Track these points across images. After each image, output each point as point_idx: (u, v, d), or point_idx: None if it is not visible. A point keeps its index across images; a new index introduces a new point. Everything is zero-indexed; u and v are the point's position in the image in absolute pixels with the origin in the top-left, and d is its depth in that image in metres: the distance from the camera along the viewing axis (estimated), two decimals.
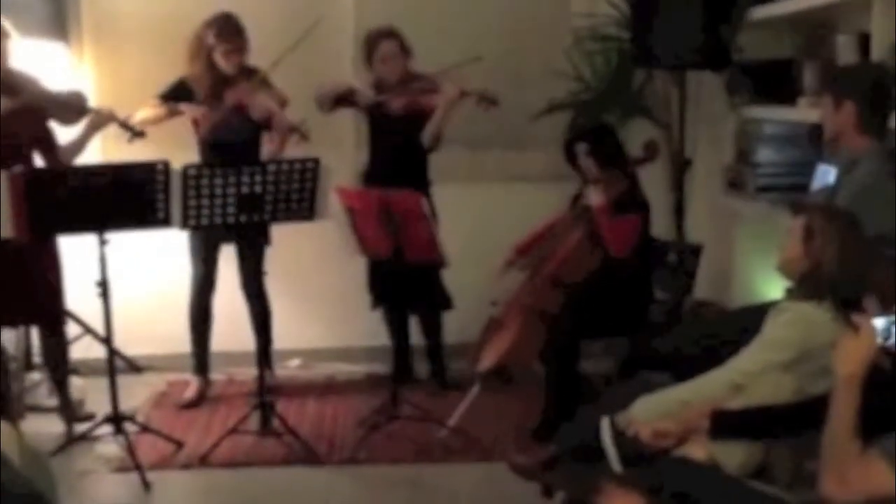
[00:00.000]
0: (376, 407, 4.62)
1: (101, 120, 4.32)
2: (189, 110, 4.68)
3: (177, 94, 4.69)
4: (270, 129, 4.73)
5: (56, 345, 4.47)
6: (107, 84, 4.73)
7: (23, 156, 4.17)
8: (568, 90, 5.22)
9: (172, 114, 4.67)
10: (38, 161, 4.30)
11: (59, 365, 4.49)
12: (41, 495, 2.61)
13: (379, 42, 4.78)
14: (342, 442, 4.40)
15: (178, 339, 4.95)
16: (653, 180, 4.73)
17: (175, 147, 4.54)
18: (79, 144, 4.35)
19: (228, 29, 4.61)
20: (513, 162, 5.31)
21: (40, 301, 4.32)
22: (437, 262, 4.26)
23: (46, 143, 4.30)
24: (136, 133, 4.32)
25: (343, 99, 4.82)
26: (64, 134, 4.39)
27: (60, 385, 4.49)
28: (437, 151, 4.85)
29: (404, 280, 4.57)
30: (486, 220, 5.05)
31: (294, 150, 4.54)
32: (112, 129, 4.39)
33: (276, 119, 4.65)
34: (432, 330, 5.14)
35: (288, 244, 4.90)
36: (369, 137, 4.96)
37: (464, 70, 4.62)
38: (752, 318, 3.18)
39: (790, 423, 2.82)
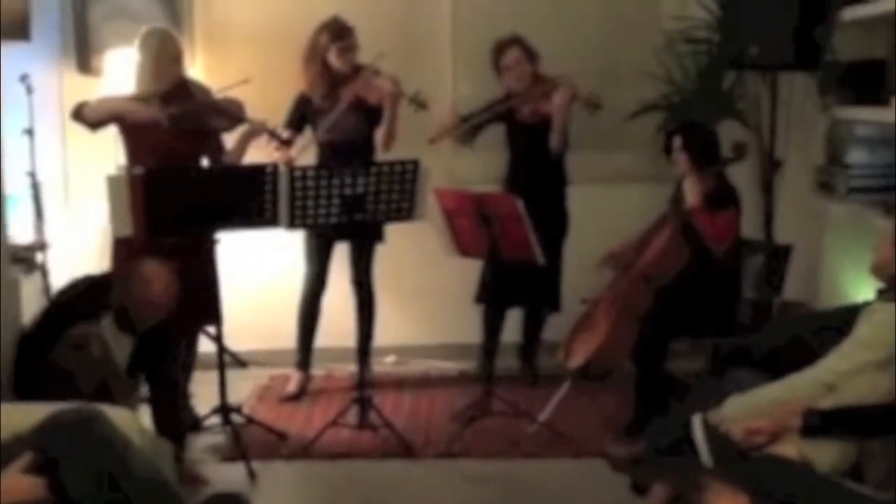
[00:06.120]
0: (469, 402, 4.72)
1: (255, 129, 4.56)
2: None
3: (297, 110, 4.91)
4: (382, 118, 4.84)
5: (191, 342, 4.64)
6: (217, 87, 4.94)
7: (188, 159, 4.45)
8: (659, 92, 5.29)
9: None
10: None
11: (187, 359, 4.62)
12: (167, 481, 2.78)
13: (502, 51, 4.91)
14: (437, 436, 4.51)
15: (280, 335, 5.12)
16: (742, 181, 4.75)
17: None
18: (237, 152, 4.58)
19: (340, 28, 4.81)
20: (605, 163, 5.36)
21: (206, 301, 4.41)
22: (532, 261, 4.36)
23: (214, 149, 4.57)
24: (283, 141, 4.63)
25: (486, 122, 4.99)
26: None
27: (184, 378, 4.61)
28: (567, 153, 5.00)
29: (522, 277, 4.71)
30: (578, 221, 5.13)
31: (393, 153, 4.70)
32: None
33: (390, 95, 4.74)
34: (536, 328, 5.26)
35: (385, 243, 5.04)
36: (507, 144, 5.09)
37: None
38: (843, 318, 3.21)
39: (884, 423, 2.83)
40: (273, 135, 4.60)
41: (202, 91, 4.58)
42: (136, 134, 4.43)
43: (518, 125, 5.00)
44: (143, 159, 4.31)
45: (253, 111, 4.65)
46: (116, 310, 3.81)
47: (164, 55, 4.43)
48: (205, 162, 4.57)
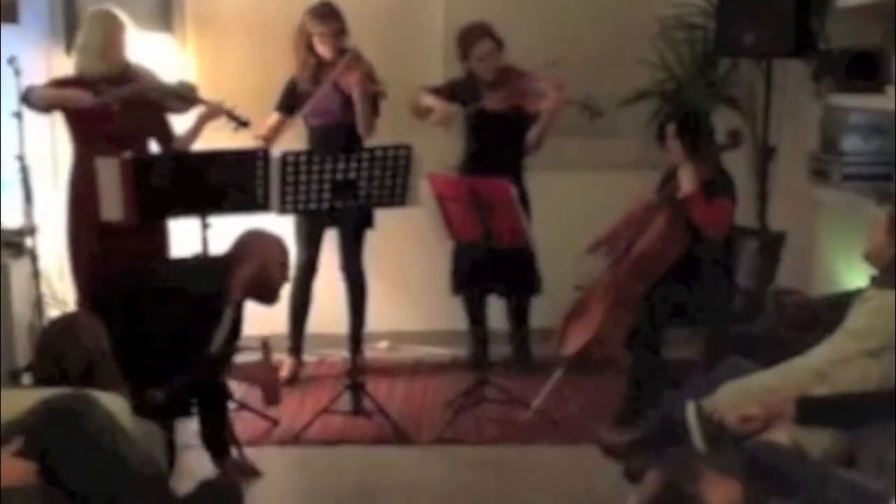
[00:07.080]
0: (462, 389, 4.72)
1: (211, 111, 4.54)
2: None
3: (286, 95, 4.90)
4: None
5: None
6: (208, 74, 4.93)
7: (138, 143, 4.41)
8: (653, 79, 5.27)
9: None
10: (154, 149, 4.56)
11: None
12: (158, 466, 2.77)
13: (474, 41, 4.86)
14: (430, 422, 4.51)
15: (272, 320, 5.09)
16: (736, 168, 4.73)
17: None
18: (192, 134, 4.57)
19: (325, 13, 4.79)
20: (598, 149, 5.34)
21: None
22: (525, 247, 4.35)
23: (163, 133, 4.55)
24: (241, 123, 4.56)
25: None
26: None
27: None
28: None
29: (496, 264, 4.67)
30: (571, 207, 5.12)
31: (384, 138, 4.67)
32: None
33: (360, 86, 4.73)
34: (521, 313, 5.24)
35: (378, 229, 5.03)
36: (466, 130, 5.05)
37: (559, 64, 4.72)
38: (837, 305, 3.22)
39: (877, 411, 2.85)
40: (231, 116, 4.56)
41: (147, 75, 4.52)
42: (82, 119, 4.39)
43: (483, 114, 4.91)
44: (91, 145, 4.30)
45: (244, 99, 4.65)
46: (248, 285, 3.88)
47: (109, 36, 4.41)
48: (153, 147, 4.55)
